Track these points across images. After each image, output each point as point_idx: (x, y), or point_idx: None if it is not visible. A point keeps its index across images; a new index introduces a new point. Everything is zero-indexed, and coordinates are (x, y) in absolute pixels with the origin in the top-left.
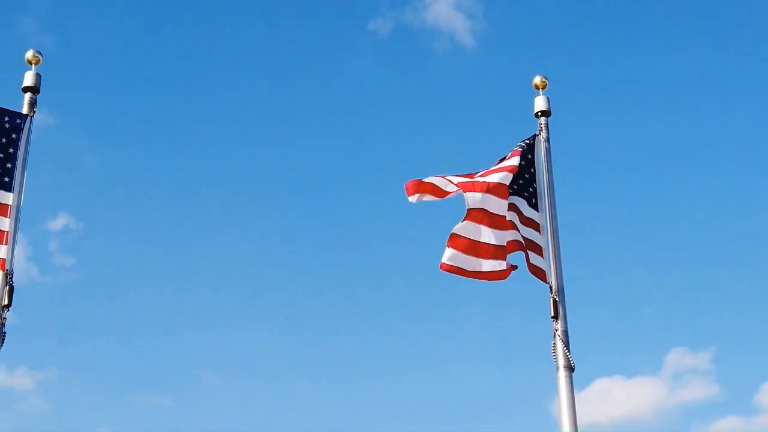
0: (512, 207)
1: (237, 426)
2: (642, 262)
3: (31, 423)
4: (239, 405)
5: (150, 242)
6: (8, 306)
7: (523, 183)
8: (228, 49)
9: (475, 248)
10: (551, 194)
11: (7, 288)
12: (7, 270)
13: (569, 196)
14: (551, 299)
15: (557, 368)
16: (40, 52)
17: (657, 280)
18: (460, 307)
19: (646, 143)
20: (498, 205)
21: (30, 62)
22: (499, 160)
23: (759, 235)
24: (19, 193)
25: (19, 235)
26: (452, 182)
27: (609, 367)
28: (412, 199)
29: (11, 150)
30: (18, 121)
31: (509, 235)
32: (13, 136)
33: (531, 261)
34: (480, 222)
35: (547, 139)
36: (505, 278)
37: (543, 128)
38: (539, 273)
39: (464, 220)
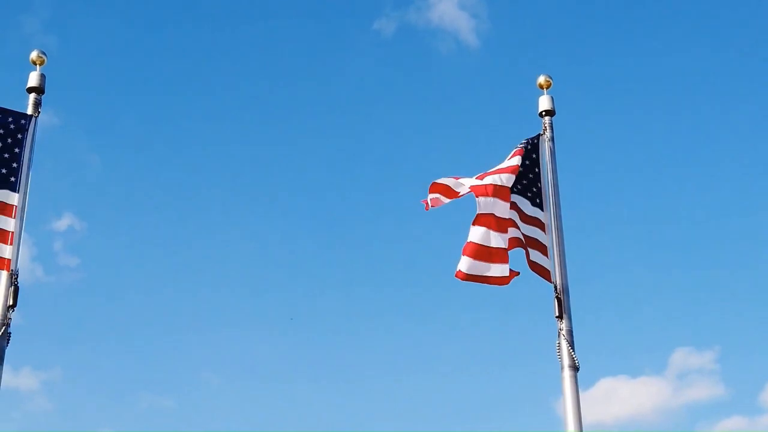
0: (513, 206)
1: (238, 426)
2: (647, 262)
3: (35, 423)
4: (241, 405)
5: (153, 243)
6: (13, 306)
7: (527, 183)
8: (232, 50)
9: (485, 254)
10: (556, 194)
11: (12, 288)
12: (12, 270)
13: (573, 195)
14: (556, 299)
15: (562, 368)
16: (44, 53)
17: (661, 279)
18: (465, 307)
19: (650, 143)
20: (503, 208)
21: (34, 63)
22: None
23: (763, 234)
24: (24, 193)
25: (24, 235)
26: (464, 184)
27: (614, 366)
28: (431, 202)
29: (17, 150)
30: (23, 121)
31: (510, 233)
32: (19, 136)
33: (531, 258)
34: (489, 227)
35: (552, 139)
36: (507, 283)
37: (547, 128)
38: (540, 270)
39: (475, 224)
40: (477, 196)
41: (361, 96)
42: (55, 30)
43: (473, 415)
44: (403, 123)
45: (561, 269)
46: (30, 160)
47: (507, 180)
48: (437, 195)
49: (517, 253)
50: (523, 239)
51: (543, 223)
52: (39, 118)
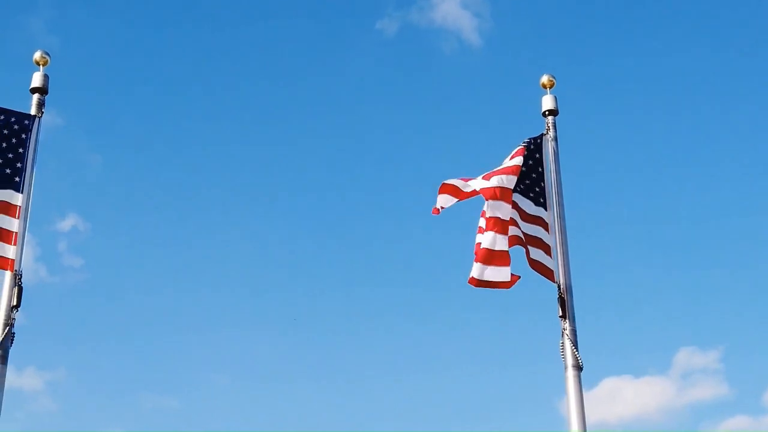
0: (514, 205)
1: (242, 426)
2: (650, 262)
3: (40, 423)
4: (245, 405)
5: (157, 243)
6: (17, 306)
7: (530, 182)
8: (235, 50)
9: (491, 257)
10: (559, 193)
11: (16, 289)
12: (15, 271)
13: (576, 195)
14: (559, 299)
15: (566, 367)
16: (48, 54)
17: (665, 279)
18: (468, 308)
19: (652, 143)
20: (506, 210)
21: (38, 63)
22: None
23: (767, 234)
24: (28, 193)
25: (28, 235)
26: (471, 186)
27: (617, 366)
28: (441, 204)
29: (20, 150)
30: (26, 122)
31: (510, 231)
32: (23, 136)
33: (532, 256)
34: (496, 230)
35: (555, 138)
36: (509, 287)
37: (550, 127)
38: (541, 269)
39: (487, 229)
40: (486, 199)
41: (364, 96)
42: (58, 30)
43: (477, 415)
44: (406, 123)
45: (564, 269)
46: (33, 160)
47: (509, 181)
48: (447, 195)
49: (519, 253)
50: (523, 237)
51: (546, 223)
52: (42, 119)
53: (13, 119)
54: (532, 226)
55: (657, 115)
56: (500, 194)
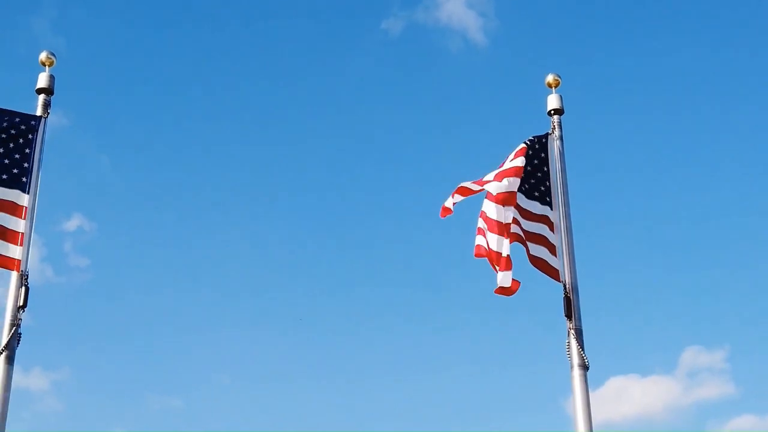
0: (516, 205)
1: (246, 426)
2: (656, 261)
3: (45, 423)
4: (249, 405)
5: (162, 243)
6: (23, 307)
7: (535, 182)
8: (239, 50)
9: (498, 261)
10: (565, 193)
11: (22, 289)
12: (22, 271)
13: (582, 194)
14: (565, 298)
15: (571, 367)
16: (53, 54)
17: (671, 278)
18: (473, 307)
19: (658, 142)
20: (509, 215)
21: (44, 64)
22: (505, 161)
23: None
24: (34, 194)
25: (34, 236)
26: (477, 185)
27: (623, 365)
28: (450, 205)
29: (27, 151)
30: (33, 122)
31: (511, 229)
32: (30, 136)
33: (531, 252)
34: (500, 233)
35: (560, 138)
36: (510, 295)
37: (556, 126)
38: (542, 265)
39: (491, 232)
40: (492, 201)
41: (368, 95)
42: (62, 31)
43: (483, 415)
44: (410, 122)
45: (570, 268)
46: (39, 161)
47: (513, 184)
48: (457, 196)
49: (520, 255)
50: (523, 234)
51: (552, 222)
52: (48, 119)
53: (18, 119)
54: (535, 224)
55: (662, 114)
56: (506, 199)
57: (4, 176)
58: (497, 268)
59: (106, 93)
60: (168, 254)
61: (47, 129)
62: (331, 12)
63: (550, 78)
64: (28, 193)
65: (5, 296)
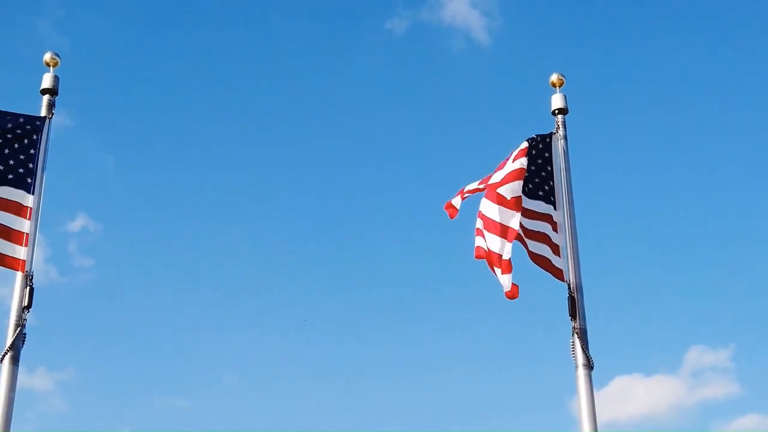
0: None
1: (253, 426)
2: (660, 260)
3: (50, 423)
4: (255, 405)
5: (167, 243)
6: (28, 307)
7: (539, 181)
8: (244, 50)
9: (499, 264)
10: (569, 192)
11: (27, 289)
12: (27, 271)
13: (586, 193)
14: (569, 297)
15: (576, 366)
16: (58, 55)
17: (676, 277)
18: (478, 307)
19: (662, 141)
20: (516, 220)
21: (48, 65)
22: (507, 158)
23: None
24: (39, 194)
25: (39, 236)
26: (481, 185)
27: (628, 365)
28: (455, 204)
29: (32, 152)
30: (38, 123)
31: (512, 225)
32: (34, 137)
33: (531, 249)
34: (502, 236)
35: (565, 137)
36: (512, 298)
37: (560, 126)
38: (543, 262)
39: (493, 233)
40: (497, 204)
41: (372, 95)
42: (66, 32)
43: (488, 415)
44: (414, 122)
45: (574, 268)
46: (44, 161)
47: (518, 188)
48: (459, 198)
49: (522, 254)
50: (522, 233)
51: (555, 222)
52: (52, 120)
53: (22, 120)
54: (537, 222)
55: (666, 114)
56: (514, 204)
57: (10, 176)
58: (496, 270)
59: (110, 93)
60: (173, 254)
61: (52, 130)
62: (335, 12)
63: (554, 77)
64: (32, 194)
65: (10, 296)
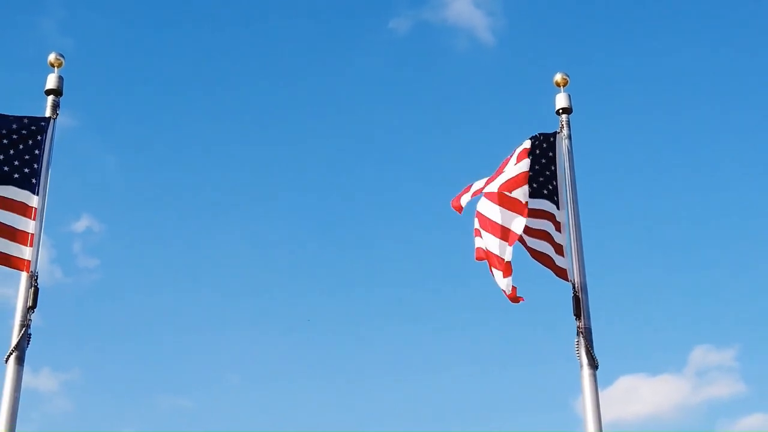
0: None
1: (257, 426)
2: (665, 260)
3: (55, 424)
4: (259, 405)
5: (171, 243)
6: (33, 308)
7: (543, 180)
8: (248, 50)
9: (499, 265)
10: (573, 192)
11: (32, 290)
12: (32, 272)
13: (590, 193)
14: (574, 297)
15: (581, 366)
16: (62, 55)
17: (680, 276)
18: (482, 307)
19: (667, 141)
20: (519, 225)
21: (52, 65)
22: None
23: None
24: (43, 195)
25: (43, 237)
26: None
27: (633, 364)
28: (462, 202)
29: (37, 152)
30: (42, 123)
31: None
32: (39, 138)
33: (529, 245)
34: (503, 238)
35: (569, 137)
36: (516, 302)
37: (564, 125)
38: (543, 258)
39: (493, 235)
40: (498, 205)
41: (375, 95)
42: (70, 32)
43: (492, 415)
44: (418, 122)
45: (579, 268)
46: (48, 162)
47: (524, 193)
48: (469, 195)
49: (524, 254)
50: (523, 231)
51: (559, 222)
52: (57, 120)
53: (26, 121)
54: (538, 220)
55: (671, 113)
56: (520, 209)
57: (16, 175)
58: (495, 272)
59: (114, 94)
60: (177, 255)
61: (56, 130)
62: (337, 11)
63: (558, 77)
64: (37, 194)
65: (15, 297)
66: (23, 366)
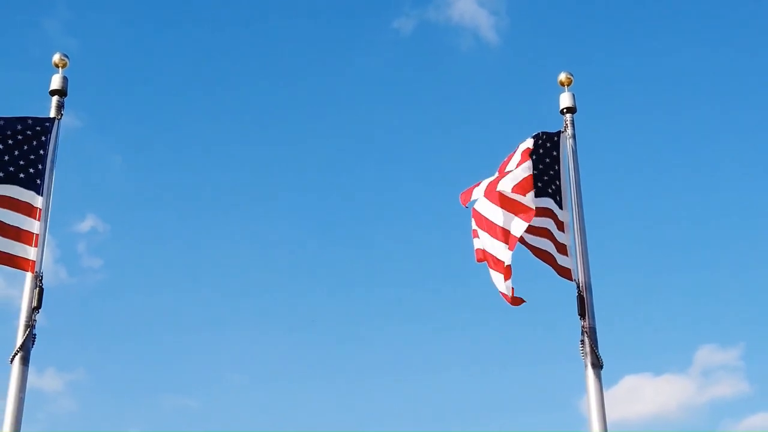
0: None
1: (261, 426)
2: (670, 259)
3: (60, 424)
4: (264, 405)
5: (176, 243)
6: (38, 308)
7: (548, 179)
8: (252, 50)
9: (499, 268)
10: (578, 191)
11: (37, 290)
12: (36, 272)
13: (594, 193)
14: (578, 297)
15: (585, 366)
16: (66, 56)
17: (685, 276)
18: (486, 306)
19: (671, 140)
20: (519, 227)
21: (57, 66)
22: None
23: None
24: (48, 195)
25: (48, 237)
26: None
27: (637, 364)
28: (472, 197)
29: (42, 152)
30: (47, 124)
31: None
32: (44, 138)
33: (529, 243)
34: (504, 240)
35: (573, 136)
36: (516, 305)
37: (568, 125)
38: (544, 256)
39: (493, 237)
40: (500, 206)
41: (379, 95)
42: (76, 32)
43: (497, 414)
44: (421, 121)
45: (583, 267)
46: (53, 162)
47: (531, 199)
48: (477, 189)
49: (525, 255)
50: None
51: (561, 221)
52: (61, 121)
53: (30, 122)
54: (539, 218)
55: (675, 113)
56: (525, 213)
57: (21, 175)
58: (495, 274)
59: (118, 94)
60: (180, 255)
61: (60, 130)
62: (341, 11)
63: (562, 76)
64: (42, 195)
65: (20, 297)
66: (28, 366)
